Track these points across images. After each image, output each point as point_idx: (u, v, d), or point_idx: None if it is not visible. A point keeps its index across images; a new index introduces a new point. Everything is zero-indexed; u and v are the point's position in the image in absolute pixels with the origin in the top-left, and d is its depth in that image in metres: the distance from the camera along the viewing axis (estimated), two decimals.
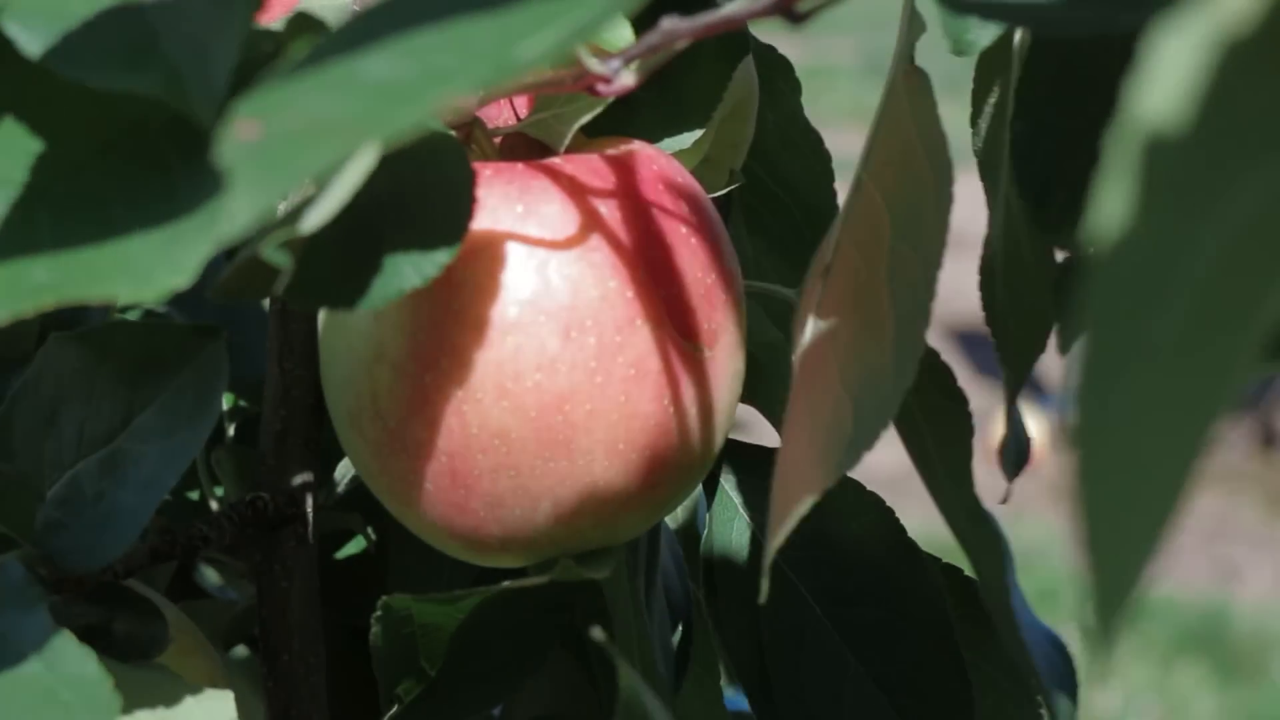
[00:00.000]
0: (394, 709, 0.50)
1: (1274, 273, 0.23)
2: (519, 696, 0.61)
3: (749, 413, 0.57)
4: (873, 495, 0.54)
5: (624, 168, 0.45)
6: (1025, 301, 0.49)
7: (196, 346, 0.46)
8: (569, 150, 0.47)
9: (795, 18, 0.34)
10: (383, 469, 0.45)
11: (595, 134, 0.48)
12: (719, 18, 0.35)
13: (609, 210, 0.44)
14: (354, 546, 0.62)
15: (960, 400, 0.54)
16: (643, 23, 0.39)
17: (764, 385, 0.55)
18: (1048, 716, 0.56)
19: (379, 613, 0.47)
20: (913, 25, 0.39)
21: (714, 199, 0.49)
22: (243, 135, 0.26)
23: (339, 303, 0.40)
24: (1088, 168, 0.42)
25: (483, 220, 0.43)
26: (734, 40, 0.49)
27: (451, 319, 0.43)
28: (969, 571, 0.57)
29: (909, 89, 0.38)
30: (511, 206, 0.43)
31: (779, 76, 0.57)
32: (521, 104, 0.49)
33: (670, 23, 0.36)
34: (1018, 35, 0.47)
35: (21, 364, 0.49)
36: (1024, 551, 2.99)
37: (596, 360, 0.43)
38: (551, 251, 0.43)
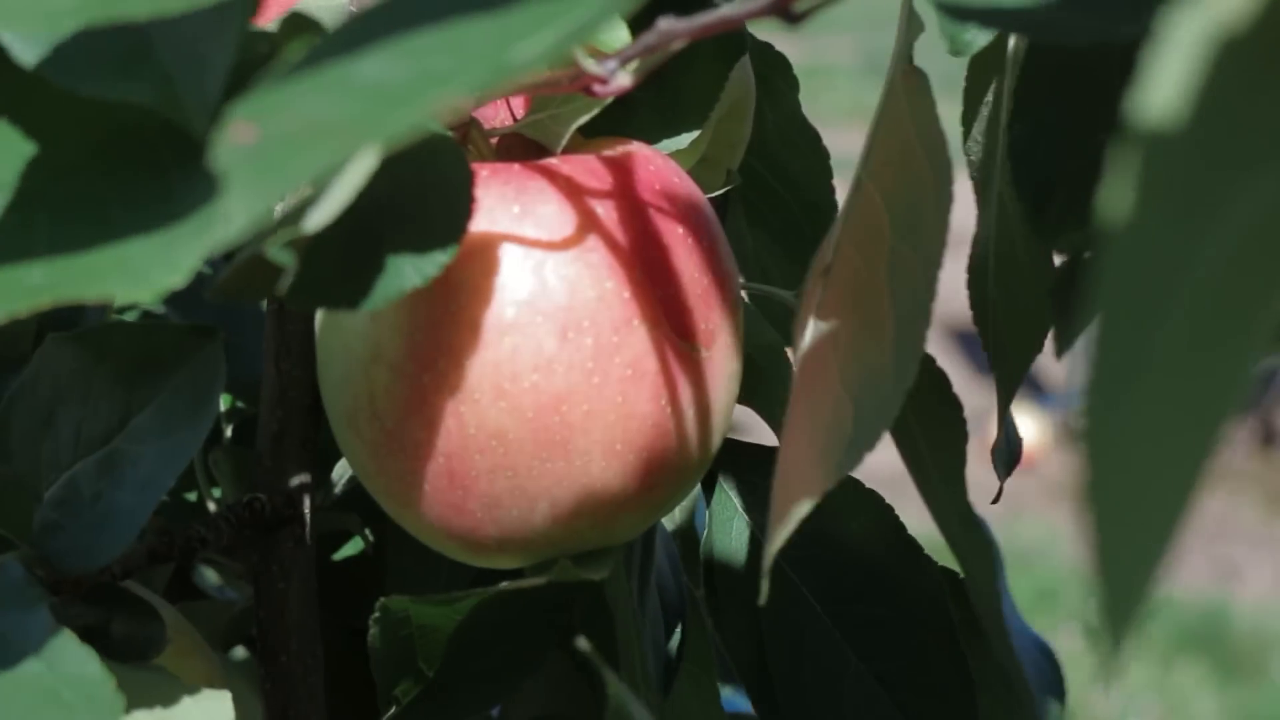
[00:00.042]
0: (392, 710, 0.50)
1: (1278, 276, 0.23)
2: (517, 697, 0.61)
3: (747, 414, 0.57)
4: (872, 493, 0.54)
5: (621, 168, 0.45)
6: (1020, 302, 0.49)
7: (194, 347, 0.46)
8: (566, 151, 0.47)
9: (792, 18, 0.34)
10: (380, 470, 0.45)
11: (592, 134, 0.48)
12: (715, 18, 0.35)
13: (606, 211, 0.44)
14: (352, 547, 0.62)
15: (955, 405, 0.54)
16: (639, 23, 0.39)
17: (762, 386, 0.55)
18: None
19: (377, 614, 0.47)
20: (911, 25, 0.39)
21: (711, 199, 0.49)
22: (238, 138, 0.26)
23: (340, 303, 0.40)
24: (1086, 170, 0.42)
25: (479, 221, 0.43)
26: (731, 40, 0.49)
27: (449, 320, 0.43)
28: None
29: (908, 89, 0.38)
30: (508, 207, 0.43)
31: (777, 74, 0.57)
32: (518, 104, 0.49)
33: (667, 23, 0.36)
34: (1012, 37, 0.47)
35: (19, 365, 0.49)
36: (1024, 551, 2.99)
37: (594, 361, 0.43)
38: (548, 252, 0.43)
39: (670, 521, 0.57)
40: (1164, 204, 0.22)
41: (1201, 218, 0.22)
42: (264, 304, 0.56)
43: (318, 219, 0.35)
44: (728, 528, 0.54)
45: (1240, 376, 0.23)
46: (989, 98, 0.49)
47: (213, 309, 0.60)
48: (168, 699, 0.46)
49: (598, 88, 0.38)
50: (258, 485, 0.52)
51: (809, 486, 0.36)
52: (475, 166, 0.43)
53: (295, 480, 0.52)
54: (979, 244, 0.51)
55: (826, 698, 0.52)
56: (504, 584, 0.45)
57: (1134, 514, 0.23)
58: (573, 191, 0.44)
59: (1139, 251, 0.22)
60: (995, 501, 0.55)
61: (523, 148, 0.48)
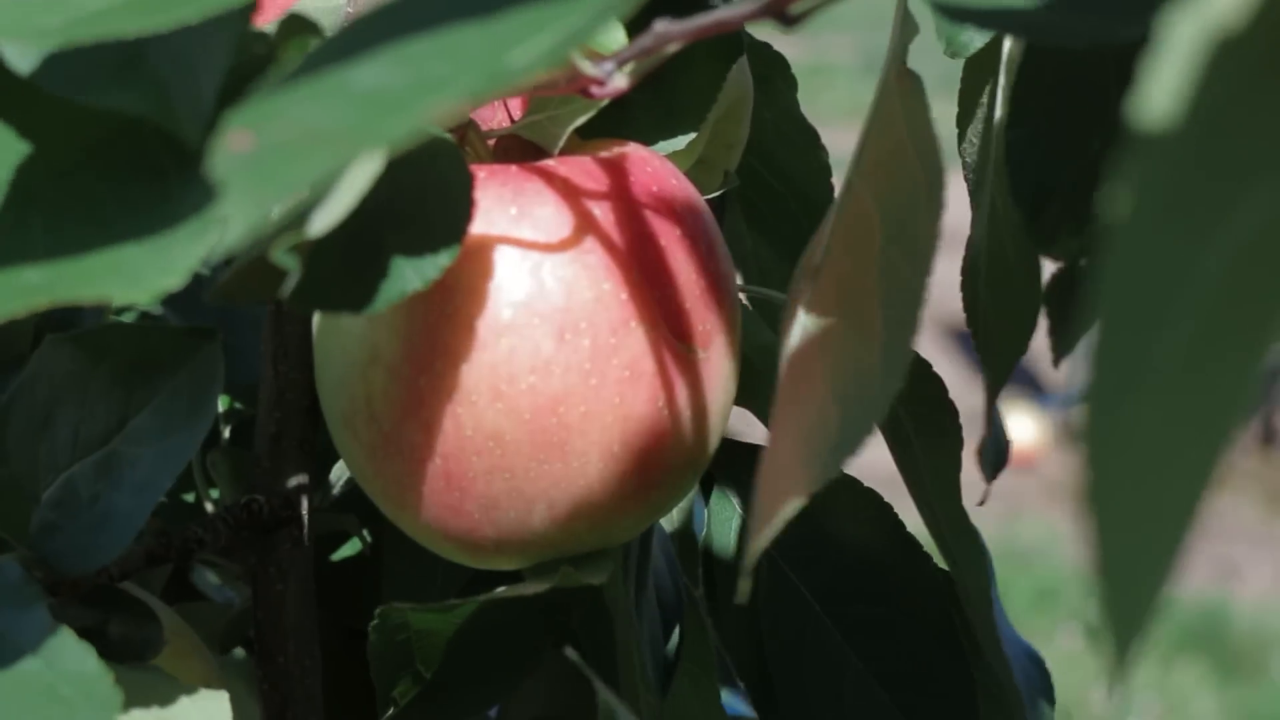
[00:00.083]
0: (390, 711, 0.50)
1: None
2: (516, 697, 0.61)
3: (746, 415, 0.57)
4: (871, 492, 0.54)
5: (618, 170, 0.45)
6: (1008, 303, 0.49)
7: (191, 349, 0.46)
8: (563, 152, 0.47)
9: (788, 20, 0.34)
10: (377, 471, 0.45)
11: (590, 136, 0.48)
12: (712, 20, 0.35)
13: (603, 212, 0.44)
14: (349, 548, 0.62)
15: (951, 412, 0.54)
16: (636, 25, 0.39)
17: (759, 388, 0.55)
18: None
19: (375, 620, 0.47)
20: (906, 27, 0.39)
21: (709, 200, 0.49)
22: (235, 146, 0.26)
23: (343, 307, 0.40)
24: (1083, 176, 0.42)
25: (477, 223, 0.43)
26: (728, 41, 0.49)
27: (446, 321, 0.43)
28: None
29: (901, 91, 0.38)
30: (505, 209, 0.43)
31: (775, 73, 0.57)
32: (516, 106, 0.49)
33: (663, 25, 0.36)
34: (1007, 40, 0.47)
35: (16, 366, 0.49)
36: (1024, 551, 2.99)
37: (591, 362, 0.43)
38: (545, 254, 0.43)
39: (668, 522, 0.57)
40: (1164, 211, 0.22)
41: (1202, 226, 0.22)
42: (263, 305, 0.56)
43: (322, 223, 0.35)
44: (726, 528, 0.54)
45: (1244, 386, 0.23)
46: (984, 99, 0.49)
47: (211, 311, 0.60)
48: (165, 700, 0.46)
49: (595, 89, 0.38)
50: (255, 487, 0.52)
51: (793, 489, 0.36)
52: (473, 168, 0.43)
53: (293, 481, 0.52)
54: (972, 245, 0.51)
55: (827, 698, 0.52)
56: (502, 589, 0.45)
57: (1137, 524, 0.23)
58: (570, 193, 0.44)
59: (1139, 259, 0.22)
60: (981, 504, 0.55)
61: (520, 149, 0.48)
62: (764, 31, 0.56)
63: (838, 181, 0.58)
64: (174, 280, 0.35)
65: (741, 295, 0.50)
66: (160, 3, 0.34)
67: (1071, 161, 0.43)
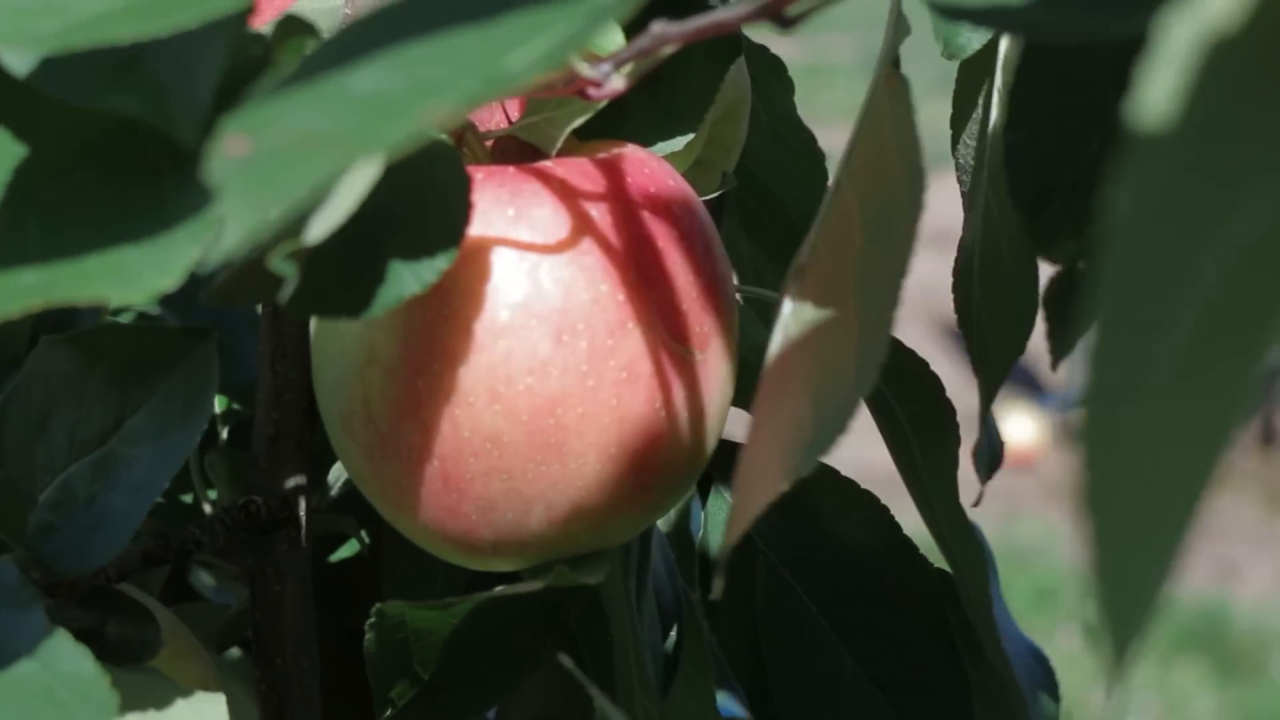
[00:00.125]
0: (388, 712, 0.50)
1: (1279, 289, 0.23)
2: (514, 698, 0.61)
3: (745, 416, 0.57)
4: (867, 494, 0.54)
5: (615, 171, 0.45)
6: (1004, 304, 0.49)
7: (187, 349, 0.46)
8: (561, 154, 0.47)
9: (785, 22, 0.34)
10: (375, 473, 0.45)
11: (587, 137, 0.48)
12: (709, 22, 0.35)
13: (600, 214, 0.44)
14: (348, 549, 0.62)
15: (948, 410, 0.54)
16: (633, 26, 0.39)
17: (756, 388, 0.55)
18: None
19: (372, 619, 0.47)
20: (898, 28, 0.39)
21: (706, 201, 0.49)
22: (231, 151, 0.26)
23: (341, 312, 0.40)
24: (1082, 178, 0.41)
25: (474, 224, 0.43)
26: (726, 43, 0.49)
27: (443, 322, 0.43)
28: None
29: (890, 93, 0.38)
30: (503, 210, 0.43)
31: (772, 76, 0.57)
32: (513, 107, 0.49)
33: (660, 27, 0.36)
34: (1003, 41, 0.47)
35: (13, 367, 0.49)
36: (1023, 551, 2.99)
37: (588, 364, 0.43)
38: (543, 255, 0.43)
39: (665, 523, 0.57)
40: (1162, 213, 0.22)
41: (1201, 227, 0.22)
42: (259, 306, 0.56)
43: (319, 229, 0.35)
44: (722, 530, 0.54)
45: (1244, 388, 0.23)
46: (979, 101, 0.49)
47: (208, 311, 0.60)
48: (162, 701, 0.46)
49: (592, 91, 0.38)
50: (253, 488, 0.52)
51: (767, 487, 0.36)
52: (470, 170, 0.43)
53: (291, 482, 0.52)
54: (965, 247, 0.51)
55: (823, 700, 0.52)
56: (499, 588, 0.45)
57: (1136, 525, 0.23)
58: (567, 194, 0.44)
59: (1138, 261, 0.22)
60: (976, 504, 0.55)
61: (518, 150, 0.48)
62: (762, 33, 0.56)
63: None
64: (170, 281, 0.35)
65: (738, 295, 0.50)
66: (157, 8, 0.34)
67: (1071, 163, 0.43)
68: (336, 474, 0.60)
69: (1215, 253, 0.22)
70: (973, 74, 0.49)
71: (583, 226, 0.44)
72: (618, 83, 0.38)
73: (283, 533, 0.52)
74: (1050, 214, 0.43)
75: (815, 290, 0.38)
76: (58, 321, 0.51)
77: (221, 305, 0.38)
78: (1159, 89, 0.22)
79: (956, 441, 0.54)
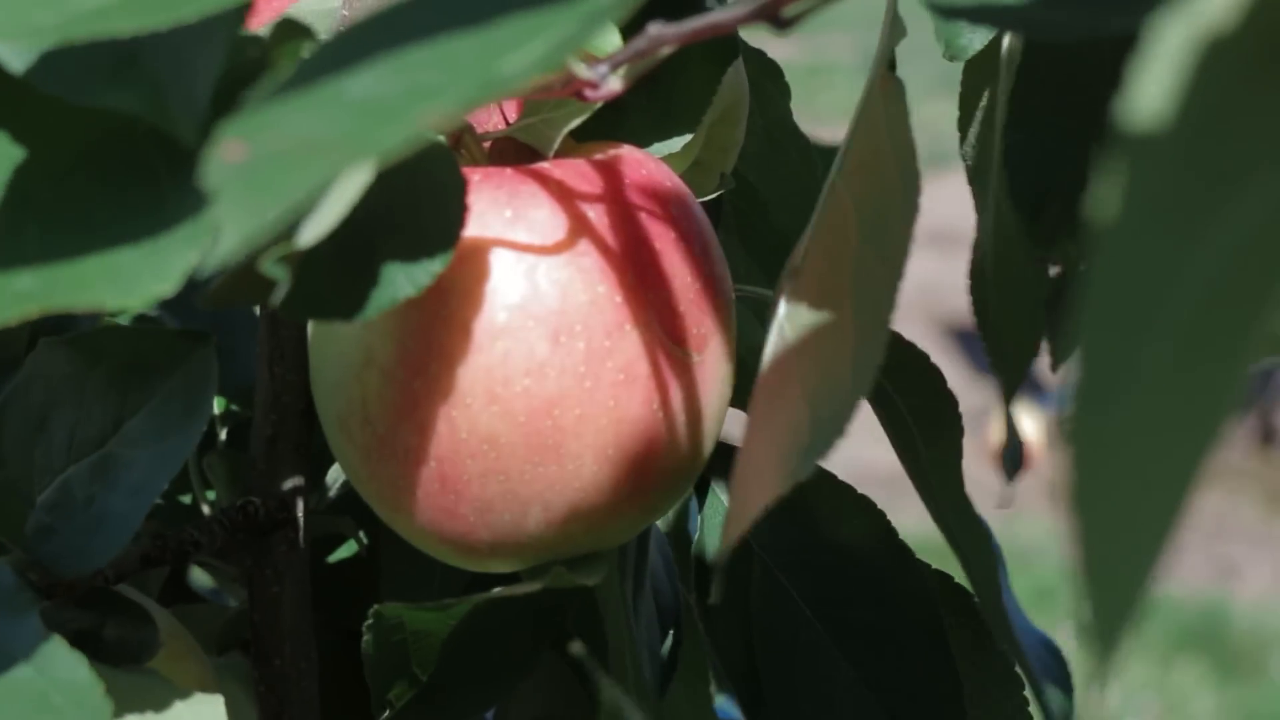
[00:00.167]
0: (386, 713, 0.50)
1: (1269, 291, 0.23)
2: (512, 700, 0.61)
3: (741, 418, 0.57)
4: (863, 497, 0.54)
5: (613, 172, 0.45)
6: (1019, 304, 0.49)
7: (186, 351, 0.46)
8: (558, 155, 0.47)
9: (781, 24, 0.34)
10: (372, 474, 0.45)
11: (585, 138, 0.48)
12: (705, 23, 0.35)
13: (598, 215, 0.44)
14: (346, 551, 0.62)
15: (949, 400, 0.54)
16: (631, 28, 0.39)
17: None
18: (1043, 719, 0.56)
19: (370, 620, 0.47)
20: (894, 30, 0.39)
21: (704, 203, 0.49)
22: (228, 156, 0.26)
23: (335, 315, 0.40)
24: (1082, 179, 0.42)
25: (471, 226, 0.43)
26: (724, 44, 0.49)
27: (440, 324, 0.43)
28: (960, 578, 0.57)
29: (884, 95, 0.38)
30: (500, 212, 0.43)
31: (768, 81, 0.57)
32: (511, 108, 0.49)
33: (656, 29, 0.36)
34: (1006, 41, 0.47)
35: (11, 368, 0.49)
36: (1022, 550, 2.99)
37: (585, 365, 0.43)
38: (540, 256, 0.43)
39: (663, 524, 0.57)
40: (1152, 215, 0.22)
41: (1190, 229, 0.22)
42: (258, 308, 0.56)
43: (312, 233, 0.35)
44: (718, 531, 0.54)
45: (1231, 389, 0.23)
46: (983, 102, 0.49)
47: (207, 313, 0.60)
48: (160, 703, 0.46)
49: (589, 92, 0.38)
50: (252, 489, 0.52)
51: (764, 490, 0.36)
52: (467, 171, 0.43)
53: (289, 484, 0.52)
54: (979, 248, 0.51)
55: (817, 703, 0.52)
56: (497, 590, 0.45)
57: (1122, 525, 0.23)
58: (565, 196, 0.44)
59: (1126, 261, 0.22)
60: (1004, 507, 0.55)
61: (515, 151, 0.48)
62: (762, 34, 0.56)
63: None
64: (167, 287, 0.35)
65: (735, 295, 0.50)
66: (156, 2, 0.34)
67: (1071, 163, 0.43)
68: (334, 475, 0.60)
69: (1205, 253, 0.22)
70: (978, 75, 0.49)
71: (580, 228, 0.44)
72: (614, 84, 0.38)
73: (281, 534, 0.52)
74: (1050, 214, 0.43)
75: (810, 292, 0.38)
76: (56, 323, 0.51)
77: (217, 308, 0.38)
78: (1152, 88, 0.22)
79: (959, 432, 0.54)
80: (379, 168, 0.36)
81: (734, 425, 0.53)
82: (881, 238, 0.37)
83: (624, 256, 0.44)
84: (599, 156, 0.46)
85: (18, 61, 0.36)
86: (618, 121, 0.49)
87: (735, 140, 0.51)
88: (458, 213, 0.41)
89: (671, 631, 0.55)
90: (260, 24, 0.41)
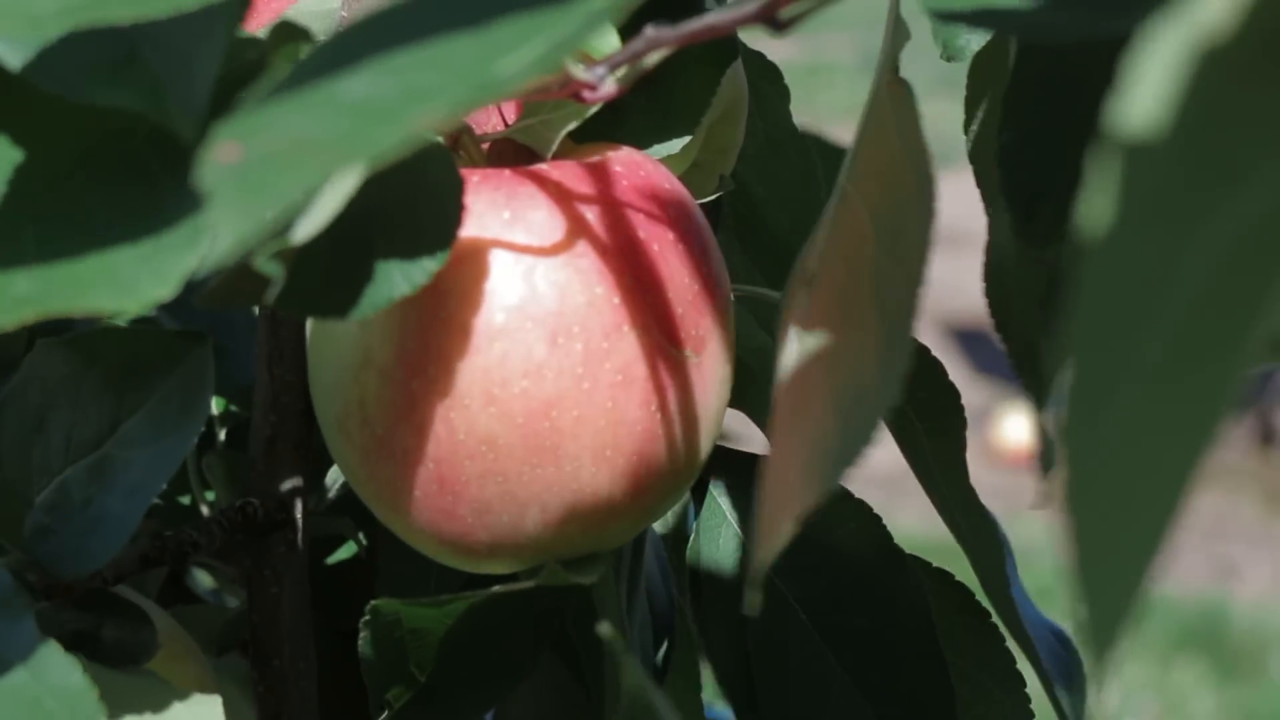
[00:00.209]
0: (384, 714, 0.50)
1: (1263, 291, 0.23)
2: (510, 701, 0.61)
3: (739, 418, 0.57)
4: (859, 501, 0.54)
5: (611, 174, 0.45)
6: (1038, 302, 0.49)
7: (183, 352, 0.46)
8: (556, 156, 0.47)
9: (778, 25, 0.34)
10: (370, 475, 0.45)
11: (584, 139, 0.48)
12: (703, 25, 0.35)
13: (596, 216, 0.44)
14: (345, 551, 0.62)
15: (952, 395, 0.54)
16: (629, 28, 0.39)
17: (753, 390, 0.55)
18: (1055, 711, 0.56)
19: (367, 618, 0.47)
20: (897, 33, 0.39)
21: (703, 204, 0.49)
22: (223, 158, 0.26)
23: (329, 312, 0.40)
24: (1076, 179, 0.41)
25: (470, 227, 0.43)
26: (723, 46, 0.49)
27: (438, 325, 0.43)
28: (961, 576, 0.57)
29: (893, 99, 0.38)
30: (498, 213, 0.43)
31: (767, 82, 0.57)
32: (510, 109, 0.49)
33: (654, 30, 0.36)
34: (1012, 45, 0.47)
35: (9, 370, 0.49)
36: (1021, 550, 2.99)
37: (583, 366, 0.43)
38: (538, 258, 0.43)
39: (662, 526, 0.57)
40: (1144, 217, 0.22)
41: (1182, 232, 0.22)
42: (256, 309, 0.56)
43: (305, 230, 0.35)
44: (715, 535, 0.54)
45: (1225, 390, 0.23)
46: (988, 104, 0.49)
47: (205, 314, 0.60)
48: (158, 704, 0.46)
49: (587, 94, 0.38)
50: (251, 489, 0.52)
51: (797, 500, 0.36)
52: (466, 172, 0.43)
53: (288, 484, 0.52)
54: (992, 250, 0.51)
55: (810, 707, 0.52)
56: (495, 587, 0.45)
57: (1116, 536, 0.23)
58: (563, 197, 0.44)
59: (1118, 264, 0.22)
60: (1039, 507, 0.55)
61: (514, 153, 0.48)
62: (760, 35, 0.56)
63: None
64: (165, 291, 0.35)
65: (733, 296, 0.50)
66: None
67: (1065, 164, 0.42)
68: (333, 476, 0.60)
69: (1198, 255, 0.22)
70: (983, 79, 0.49)
71: (578, 229, 0.44)
72: (612, 86, 0.38)
73: (280, 535, 0.52)
74: (1044, 214, 0.43)
75: (829, 300, 0.38)
76: (54, 324, 0.51)
77: (214, 308, 0.39)
78: (1146, 90, 0.22)
79: (962, 424, 0.54)
80: (375, 168, 0.36)
81: (732, 427, 0.53)
82: (900, 244, 0.37)
83: (622, 258, 0.44)
84: (597, 158, 0.46)
85: (16, 58, 0.36)
86: (617, 123, 0.49)
87: (734, 142, 0.51)
88: (455, 212, 0.41)
89: (668, 633, 0.55)
90: (259, 26, 0.41)
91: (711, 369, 0.46)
